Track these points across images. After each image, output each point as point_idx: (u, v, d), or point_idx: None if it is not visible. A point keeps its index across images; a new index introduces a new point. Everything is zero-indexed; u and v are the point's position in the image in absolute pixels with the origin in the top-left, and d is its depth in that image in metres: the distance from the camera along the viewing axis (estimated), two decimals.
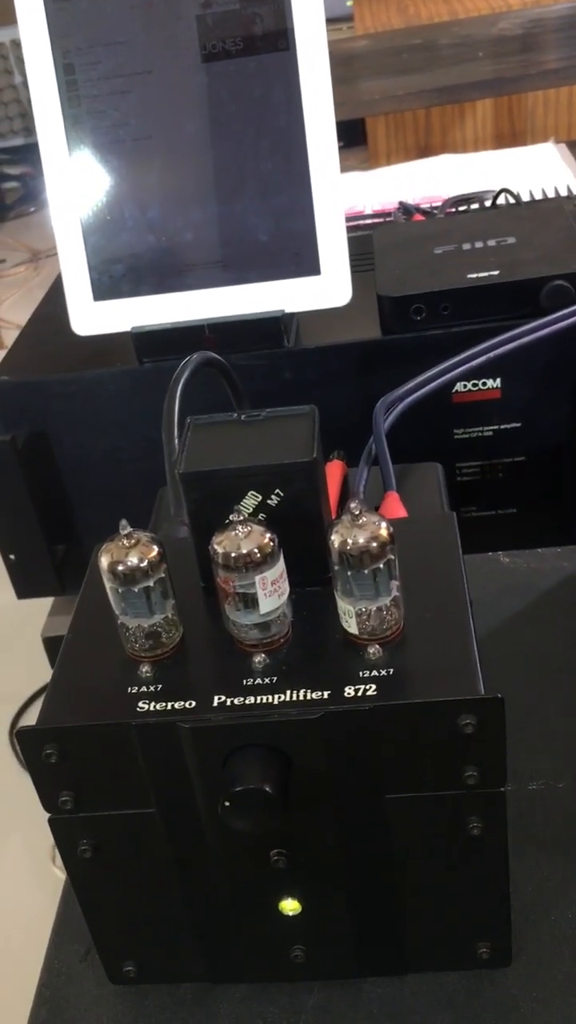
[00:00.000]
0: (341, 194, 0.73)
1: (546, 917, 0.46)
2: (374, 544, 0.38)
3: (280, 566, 0.39)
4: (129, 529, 0.39)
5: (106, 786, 0.40)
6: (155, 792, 0.39)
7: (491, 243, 0.78)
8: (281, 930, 0.43)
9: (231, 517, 0.39)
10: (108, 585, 0.40)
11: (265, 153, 0.74)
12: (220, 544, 0.38)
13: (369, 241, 0.85)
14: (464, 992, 0.44)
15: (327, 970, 0.44)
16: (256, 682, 0.39)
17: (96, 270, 0.76)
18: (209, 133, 0.74)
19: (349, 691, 0.38)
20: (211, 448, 0.42)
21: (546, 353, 0.73)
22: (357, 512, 0.38)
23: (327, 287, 0.74)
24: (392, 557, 0.38)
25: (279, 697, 0.38)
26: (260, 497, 0.41)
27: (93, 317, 0.77)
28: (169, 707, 0.38)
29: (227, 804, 0.37)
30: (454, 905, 0.42)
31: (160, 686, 0.39)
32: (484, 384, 0.75)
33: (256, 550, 0.38)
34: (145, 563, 0.39)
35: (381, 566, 0.38)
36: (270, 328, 0.75)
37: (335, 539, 0.38)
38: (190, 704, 0.38)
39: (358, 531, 0.38)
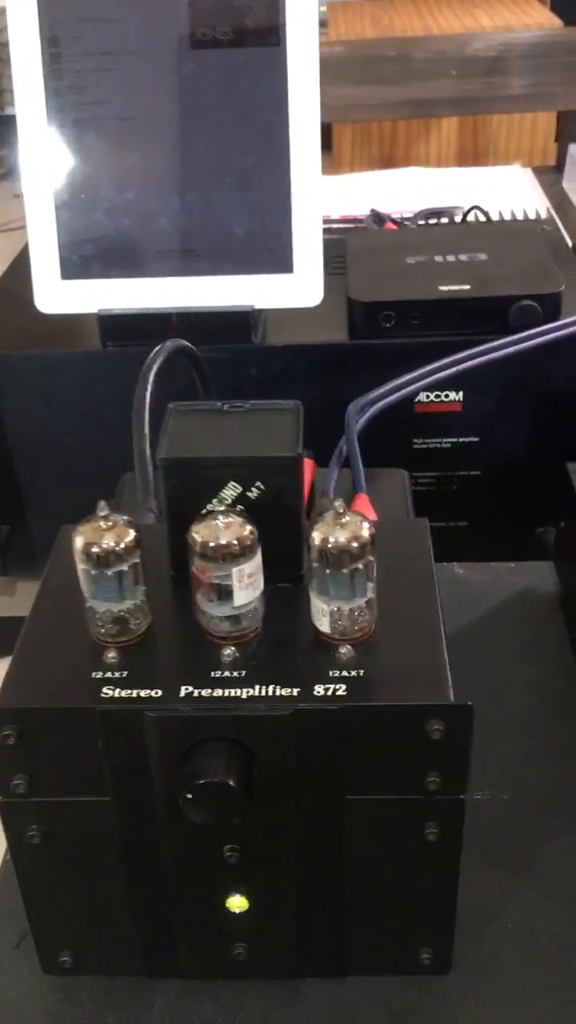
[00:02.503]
0: (320, 194, 0.73)
1: (486, 926, 0.46)
2: (355, 544, 0.37)
3: (258, 559, 0.38)
4: (107, 511, 0.38)
5: (62, 771, 0.39)
6: (112, 780, 0.39)
7: (463, 258, 0.78)
8: (226, 927, 0.42)
9: (212, 506, 0.38)
10: (80, 567, 0.39)
11: (247, 146, 0.73)
12: (199, 533, 0.38)
13: (336, 245, 0.85)
14: (402, 997, 0.44)
15: (268, 969, 0.44)
16: (224, 675, 0.38)
17: (66, 248, 0.75)
18: (191, 120, 0.74)
19: (319, 690, 0.37)
20: (193, 435, 0.42)
21: (509, 371, 0.74)
22: (341, 511, 0.38)
23: (299, 286, 0.74)
24: (371, 559, 0.38)
25: (247, 691, 0.38)
26: (240, 488, 0.40)
27: (59, 296, 0.76)
28: (135, 694, 0.38)
29: (189, 796, 0.36)
30: (401, 910, 0.42)
31: (126, 672, 0.39)
32: (447, 396, 0.75)
33: (235, 541, 0.38)
34: (121, 547, 0.38)
35: (360, 567, 0.38)
36: (238, 322, 0.75)
37: (316, 536, 0.38)
38: (156, 693, 0.38)
39: (340, 530, 0.38)
